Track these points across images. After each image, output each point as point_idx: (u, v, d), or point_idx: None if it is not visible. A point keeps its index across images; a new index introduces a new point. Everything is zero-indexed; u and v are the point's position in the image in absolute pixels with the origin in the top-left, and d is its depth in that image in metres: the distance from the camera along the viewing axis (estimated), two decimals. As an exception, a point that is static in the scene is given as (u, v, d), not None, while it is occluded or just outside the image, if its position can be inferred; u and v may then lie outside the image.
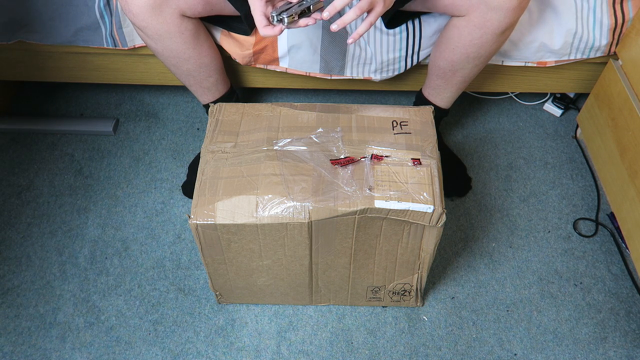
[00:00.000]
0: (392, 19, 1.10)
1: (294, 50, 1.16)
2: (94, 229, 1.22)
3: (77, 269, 1.16)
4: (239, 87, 1.34)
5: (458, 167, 1.33)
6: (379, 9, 0.85)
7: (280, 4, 0.86)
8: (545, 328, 1.08)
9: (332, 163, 0.89)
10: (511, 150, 1.39)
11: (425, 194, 0.85)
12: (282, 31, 0.85)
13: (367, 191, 0.85)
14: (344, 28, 1.14)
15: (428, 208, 0.85)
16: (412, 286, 1.03)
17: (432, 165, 0.89)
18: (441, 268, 1.17)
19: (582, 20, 1.14)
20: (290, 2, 0.84)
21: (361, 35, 0.85)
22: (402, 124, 0.96)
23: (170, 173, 1.33)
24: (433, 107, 1.01)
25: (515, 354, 1.05)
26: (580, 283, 1.15)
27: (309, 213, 0.85)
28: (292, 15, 0.83)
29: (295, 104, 1.00)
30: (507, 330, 1.08)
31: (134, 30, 1.15)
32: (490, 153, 1.38)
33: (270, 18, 0.85)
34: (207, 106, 1.22)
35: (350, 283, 1.03)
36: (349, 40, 0.87)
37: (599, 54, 1.20)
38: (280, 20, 0.84)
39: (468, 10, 0.99)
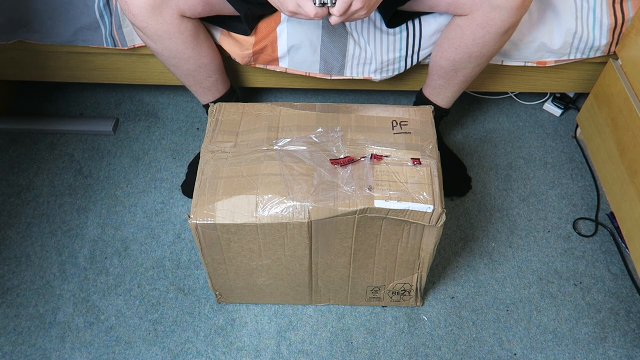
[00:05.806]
0: (393, 18, 1.10)
1: (294, 50, 1.16)
2: (94, 229, 1.22)
3: (77, 269, 1.16)
4: (239, 87, 1.34)
5: (458, 167, 1.33)
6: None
7: None
8: (545, 328, 1.08)
9: (332, 163, 0.89)
10: (511, 150, 1.39)
11: (425, 194, 0.85)
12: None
13: (367, 191, 0.85)
14: (345, 28, 1.14)
15: (428, 208, 0.85)
16: (412, 286, 1.03)
17: (432, 165, 0.89)
18: (441, 268, 1.17)
19: (582, 20, 1.14)
20: None
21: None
22: (402, 124, 0.96)
23: (170, 173, 1.33)
24: (433, 107, 1.01)
25: (515, 354, 1.05)
26: (580, 283, 1.15)
27: (309, 213, 0.85)
28: None
29: (295, 104, 1.00)
30: (507, 330, 1.08)
31: (134, 30, 1.15)
32: (490, 153, 1.38)
33: (314, 2, 0.86)
34: (207, 106, 1.22)
35: (350, 283, 1.03)
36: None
37: (599, 54, 1.20)
38: (323, 4, 0.86)
39: (471, 9, 0.99)
